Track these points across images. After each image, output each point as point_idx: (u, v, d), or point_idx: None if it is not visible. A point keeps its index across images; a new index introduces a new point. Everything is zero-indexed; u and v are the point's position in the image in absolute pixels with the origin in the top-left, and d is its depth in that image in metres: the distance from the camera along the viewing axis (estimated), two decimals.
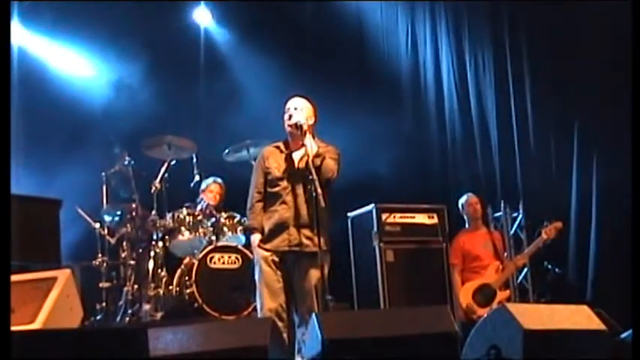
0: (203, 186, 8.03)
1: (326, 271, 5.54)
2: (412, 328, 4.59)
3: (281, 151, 5.93)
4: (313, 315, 4.67)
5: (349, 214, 8.12)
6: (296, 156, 5.86)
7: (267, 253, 5.76)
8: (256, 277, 5.81)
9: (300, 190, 5.77)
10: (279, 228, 5.77)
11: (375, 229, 7.77)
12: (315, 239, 5.64)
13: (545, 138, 8.53)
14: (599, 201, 8.02)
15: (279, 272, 5.75)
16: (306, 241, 5.73)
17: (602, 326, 4.98)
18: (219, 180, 8.05)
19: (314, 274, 5.67)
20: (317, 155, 5.68)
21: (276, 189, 5.83)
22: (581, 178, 8.26)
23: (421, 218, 7.94)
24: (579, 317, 5.01)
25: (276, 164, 5.88)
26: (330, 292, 5.44)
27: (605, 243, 7.96)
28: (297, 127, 5.71)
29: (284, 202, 5.78)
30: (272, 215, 5.81)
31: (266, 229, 5.82)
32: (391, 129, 9.28)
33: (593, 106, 8.13)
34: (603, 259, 7.96)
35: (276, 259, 5.76)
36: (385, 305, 7.46)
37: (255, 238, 5.84)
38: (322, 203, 5.41)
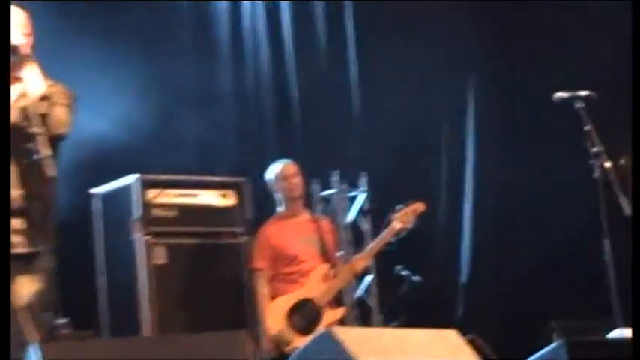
0: None
1: (50, 280, 5.33)
2: None
3: None
4: (30, 348, 4.53)
5: (94, 190, 7.78)
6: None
7: None
8: None
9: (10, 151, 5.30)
10: None
11: (137, 212, 7.46)
12: (32, 232, 5.35)
13: (396, 86, 8.88)
14: (478, 175, 8.26)
15: None
16: (15, 239, 5.36)
17: (471, 358, 5.19)
18: None
19: (28, 286, 5.36)
20: (44, 97, 5.37)
21: None
22: (453, 144, 8.74)
23: (209, 198, 7.79)
24: (443, 347, 5.17)
25: None
26: (65, 313, 5.72)
27: (483, 236, 8.14)
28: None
29: None
30: None
31: None
32: (170, 75, 9.20)
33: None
34: (480, 260, 8.33)
35: None
36: (151, 331, 7.27)
37: None
38: (52, 172, 5.11)
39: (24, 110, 5.33)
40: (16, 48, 5.37)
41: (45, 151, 5.16)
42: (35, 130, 5.20)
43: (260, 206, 8.15)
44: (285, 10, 9.85)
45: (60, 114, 5.45)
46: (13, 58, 5.39)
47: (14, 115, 5.38)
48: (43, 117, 5.35)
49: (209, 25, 9.97)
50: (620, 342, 5.92)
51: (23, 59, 5.39)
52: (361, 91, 9.27)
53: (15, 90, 5.44)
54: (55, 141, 5.40)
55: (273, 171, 8.02)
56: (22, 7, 5.61)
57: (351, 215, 8.55)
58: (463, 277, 8.39)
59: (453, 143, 8.76)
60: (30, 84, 5.36)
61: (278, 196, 8.04)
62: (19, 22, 5.53)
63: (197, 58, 9.76)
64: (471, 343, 5.40)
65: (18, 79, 5.42)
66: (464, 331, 5.35)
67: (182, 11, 9.87)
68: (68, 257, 5.67)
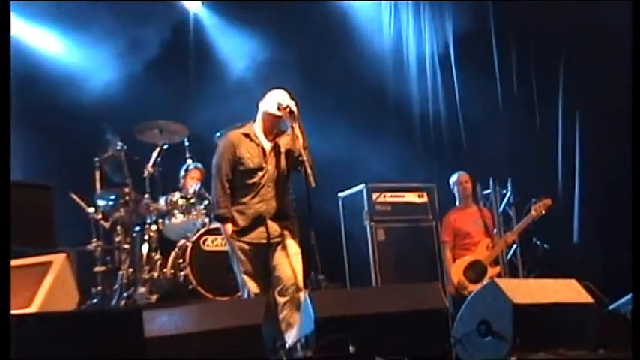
0: (182, 172, 7.84)
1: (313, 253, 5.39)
2: (403, 304, 4.62)
3: (251, 139, 5.62)
4: (306, 295, 4.68)
5: (340, 194, 8.04)
6: (282, 142, 5.64)
7: (246, 246, 5.63)
8: (235, 267, 5.68)
9: (274, 179, 5.57)
10: (256, 222, 5.58)
11: (366, 208, 7.73)
12: (291, 227, 5.58)
13: (531, 116, 8.41)
14: (583, 173, 7.90)
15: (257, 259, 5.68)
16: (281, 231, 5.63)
17: (589, 299, 5.04)
18: (199, 165, 7.78)
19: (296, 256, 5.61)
20: (305, 147, 5.45)
21: (252, 180, 5.57)
22: (565, 156, 8.06)
23: (411, 197, 7.93)
24: (568, 291, 5.05)
25: (248, 154, 5.60)
26: (323, 272, 5.37)
27: (588, 216, 7.86)
28: (290, 111, 5.42)
29: (258, 194, 5.59)
30: (245, 209, 5.59)
31: (240, 223, 5.60)
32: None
33: (577, 72, 8.01)
34: (587, 233, 7.81)
35: (254, 248, 5.61)
36: (377, 283, 7.41)
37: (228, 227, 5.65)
38: (314, 184, 5.24)
39: (293, 151, 5.51)
40: (292, 111, 5.43)
41: (309, 169, 5.32)
42: (304, 157, 5.33)
43: (444, 202, 8.12)
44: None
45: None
46: (288, 119, 5.44)
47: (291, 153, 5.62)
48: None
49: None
50: None
51: (296, 118, 5.46)
52: (509, 123, 8.53)
53: (284, 137, 5.63)
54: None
55: (453, 179, 8.24)
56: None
57: (502, 206, 8.28)
58: (575, 239, 7.78)
59: (566, 158, 8.04)
60: (298, 133, 5.43)
61: (456, 195, 8.19)
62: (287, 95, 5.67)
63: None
64: (586, 287, 5.14)
65: (279, 132, 5.60)
66: (579, 281, 5.15)
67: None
68: (325, 237, 5.70)
